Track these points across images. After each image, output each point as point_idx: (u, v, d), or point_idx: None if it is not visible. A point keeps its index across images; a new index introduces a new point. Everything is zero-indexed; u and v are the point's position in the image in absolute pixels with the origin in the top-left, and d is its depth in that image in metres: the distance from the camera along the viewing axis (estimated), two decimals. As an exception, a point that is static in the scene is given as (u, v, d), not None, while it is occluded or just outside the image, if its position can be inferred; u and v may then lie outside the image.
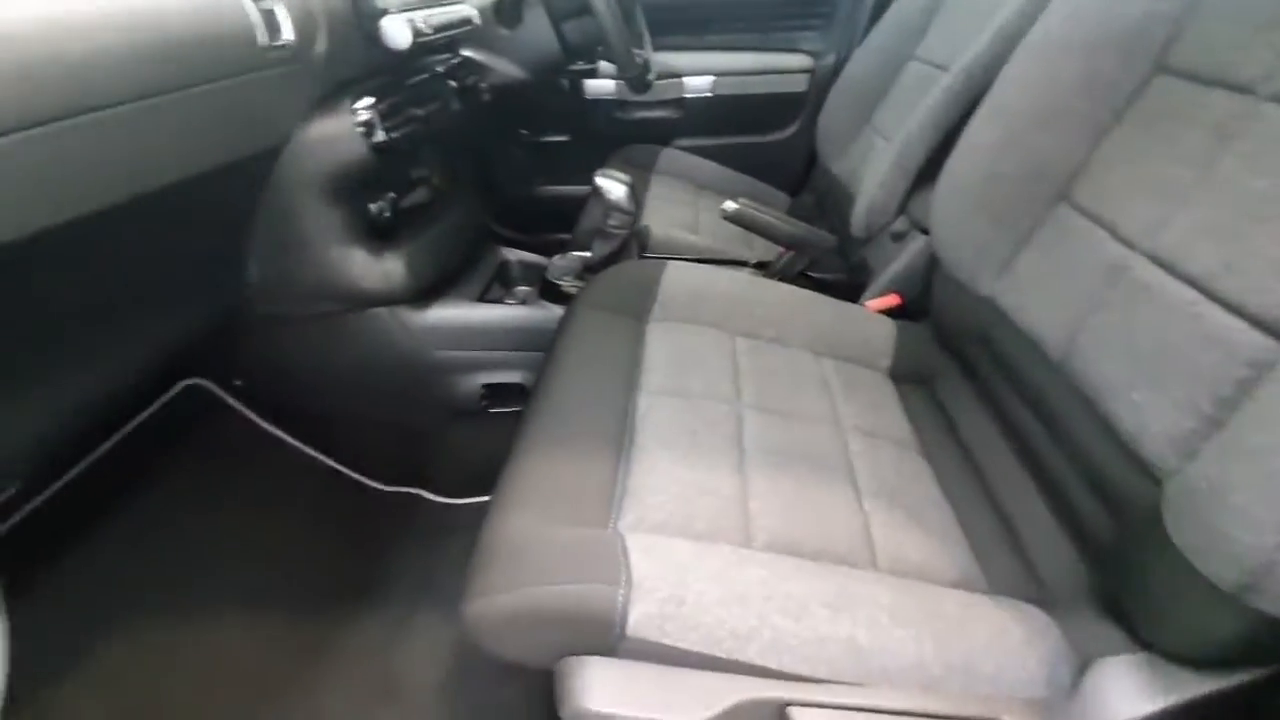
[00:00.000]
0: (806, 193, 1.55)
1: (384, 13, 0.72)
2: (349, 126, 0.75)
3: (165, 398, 0.96)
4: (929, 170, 0.94)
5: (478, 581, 0.47)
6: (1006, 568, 0.54)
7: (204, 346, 0.82)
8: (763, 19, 1.51)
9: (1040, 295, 0.63)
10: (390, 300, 0.87)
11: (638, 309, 0.80)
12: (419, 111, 0.82)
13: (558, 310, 0.96)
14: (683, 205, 1.28)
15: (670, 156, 1.46)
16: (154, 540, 0.84)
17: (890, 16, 1.28)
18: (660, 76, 1.44)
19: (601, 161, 1.45)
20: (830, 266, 1.06)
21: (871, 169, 1.08)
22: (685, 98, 1.52)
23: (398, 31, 0.73)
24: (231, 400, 1.00)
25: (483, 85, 1.02)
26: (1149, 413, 0.47)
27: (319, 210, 0.78)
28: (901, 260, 0.91)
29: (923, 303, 0.88)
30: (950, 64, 1.00)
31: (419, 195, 1.02)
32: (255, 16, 0.59)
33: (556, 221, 1.68)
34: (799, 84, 1.52)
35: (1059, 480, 0.58)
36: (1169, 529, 0.43)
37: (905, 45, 1.21)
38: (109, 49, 0.46)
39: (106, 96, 0.46)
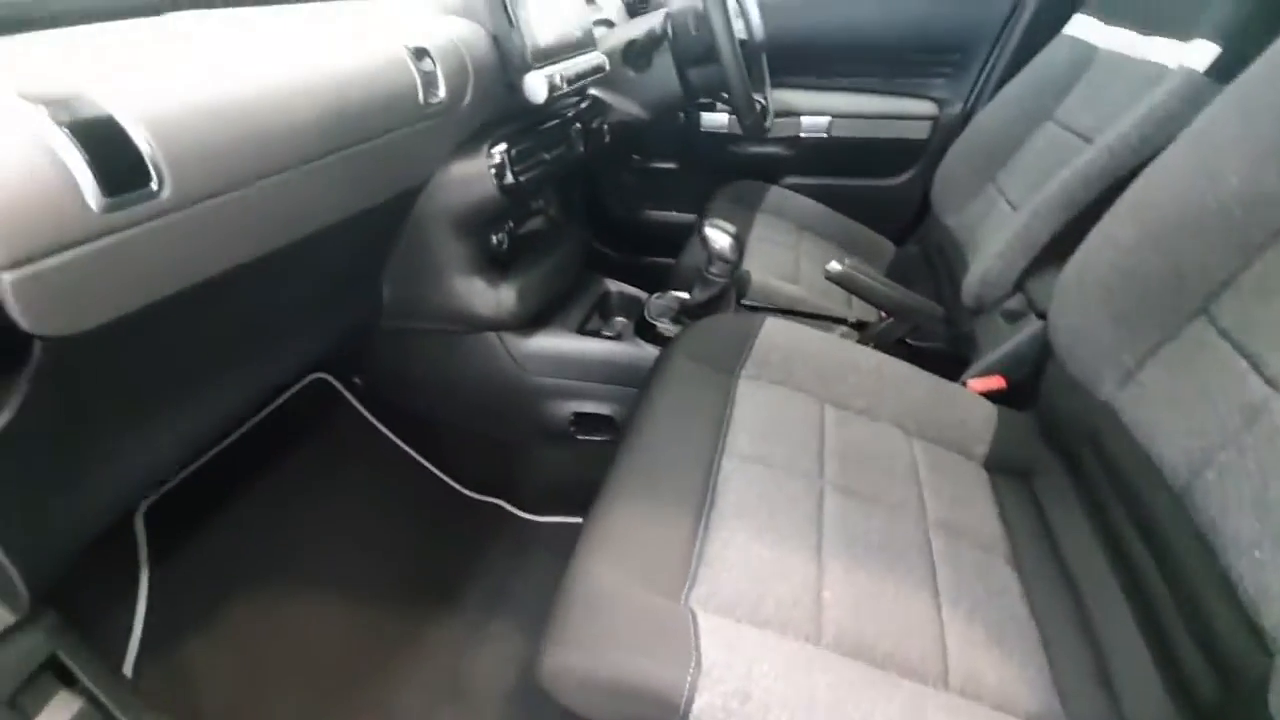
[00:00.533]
0: (914, 242, 1.50)
1: (528, 68, 0.78)
2: (483, 168, 0.81)
3: (295, 388, 1.07)
4: (1054, 249, 0.90)
5: (555, 628, 0.50)
6: (1090, 706, 0.52)
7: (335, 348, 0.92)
8: (889, 62, 1.47)
9: (1166, 416, 0.59)
10: (500, 326, 0.93)
11: (731, 362, 0.81)
12: (546, 155, 0.87)
13: (651, 350, 0.99)
14: (784, 249, 1.27)
15: (777, 195, 1.46)
16: (271, 520, 0.94)
17: (1030, 72, 1.22)
18: (777, 114, 1.45)
19: (709, 192, 1.47)
20: (932, 334, 1.03)
21: (990, 235, 1.04)
22: (800, 136, 1.51)
23: (537, 87, 0.78)
24: (349, 396, 1.10)
25: (605, 126, 1.06)
26: (1270, 574, 0.44)
27: (447, 242, 0.85)
28: (1012, 342, 0.87)
29: (1029, 390, 0.85)
30: (1093, 135, 0.95)
31: (534, 223, 1.08)
32: (417, 78, 0.65)
33: (659, 245, 1.72)
34: (920, 131, 1.48)
35: (1161, 618, 0.55)
36: (1271, 707, 0.40)
37: (1043, 104, 1.15)
38: (302, 118, 0.53)
39: (298, 157, 0.53)
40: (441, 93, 0.69)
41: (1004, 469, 0.78)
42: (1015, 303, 0.92)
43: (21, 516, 0.46)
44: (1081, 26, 1.15)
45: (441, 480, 1.09)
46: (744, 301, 1.05)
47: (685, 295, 1.05)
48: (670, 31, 1.10)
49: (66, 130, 0.36)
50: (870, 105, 1.49)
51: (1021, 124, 1.18)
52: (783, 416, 0.74)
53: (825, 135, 1.50)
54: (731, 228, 0.93)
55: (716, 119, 1.52)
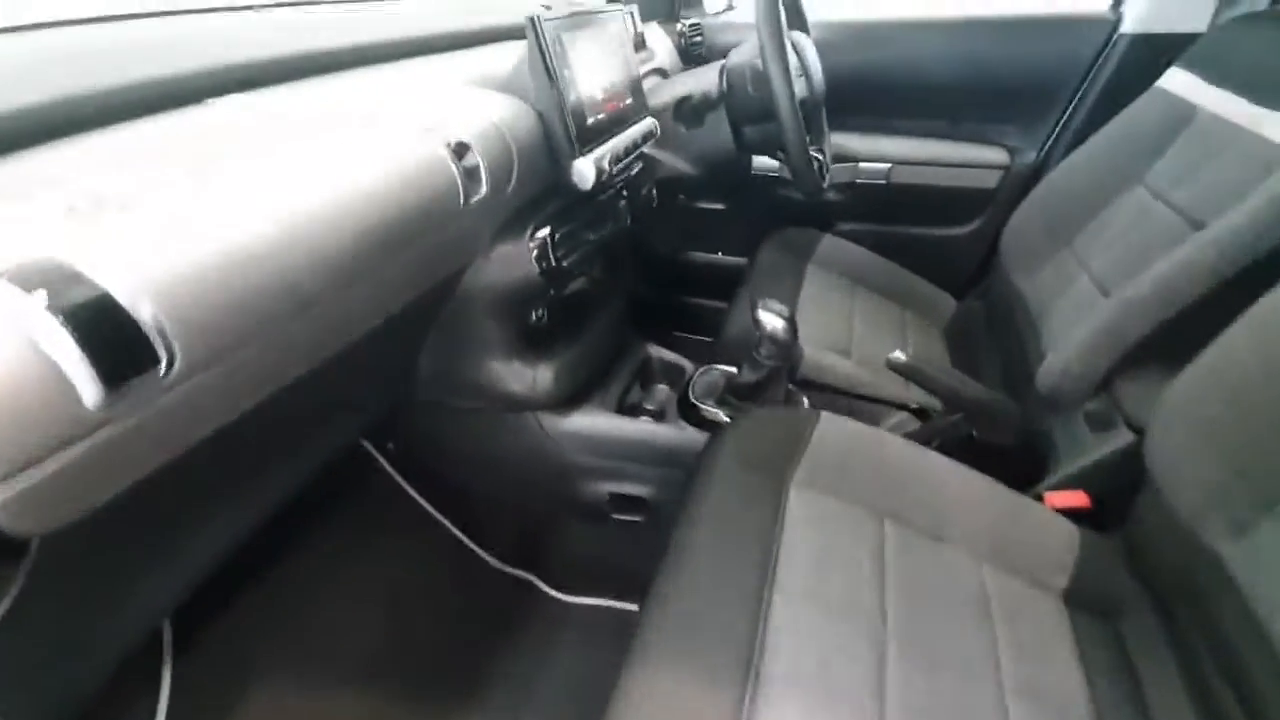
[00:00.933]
0: (975, 296, 1.40)
1: (576, 155, 0.73)
2: (524, 252, 0.77)
3: (326, 452, 1.05)
4: (1147, 347, 0.81)
5: None
6: None
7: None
8: (957, 105, 1.38)
9: (1291, 592, 0.51)
10: (536, 406, 0.89)
11: (781, 465, 0.75)
12: (591, 235, 0.82)
13: (692, 433, 0.93)
14: (837, 307, 1.20)
15: (830, 245, 1.37)
16: (299, 593, 0.92)
17: (1118, 127, 1.11)
18: (834, 160, 1.37)
19: (757, 235, 1.41)
20: (1003, 427, 0.94)
21: (1070, 314, 0.95)
22: (856, 183, 1.43)
23: (586, 174, 0.73)
24: (382, 461, 1.08)
25: (654, 191, 1.01)
26: None
27: (485, 322, 0.81)
28: (1097, 454, 0.79)
29: (1115, 508, 0.76)
30: (1191, 213, 0.86)
31: (577, 285, 1.04)
32: (459, 177, 0.61)
33: (704, 288, 1.66)
34: (988, 180, 1.38)
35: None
36: None
37: (1132, 165, 1.05)
38: (334, 247, 0.49)
39: (330, 286, 0.49)
40: (484, 188, 0.64)
41: (1085, 605, 0.70)
42: (1100, 404, 0.83)
43: (30, 686, 0.43)
44: (1178, 82, 1.05)
45: (472, 551, 1.06)
46: (795, 380, 0.98)
47: (731, 369, 0.99)
48: (726, 86, 1.04)
49: (60, 318, 0.32)
50: (934, 151, 1.40)
51: (1107, 184, 1.08)
52: (838, 541, 0.68)
53: (884, 182, 1.41)
54: (785, 310, 0.86)
55: (768, 161, 1.45)
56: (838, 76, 1.23)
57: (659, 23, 1.35)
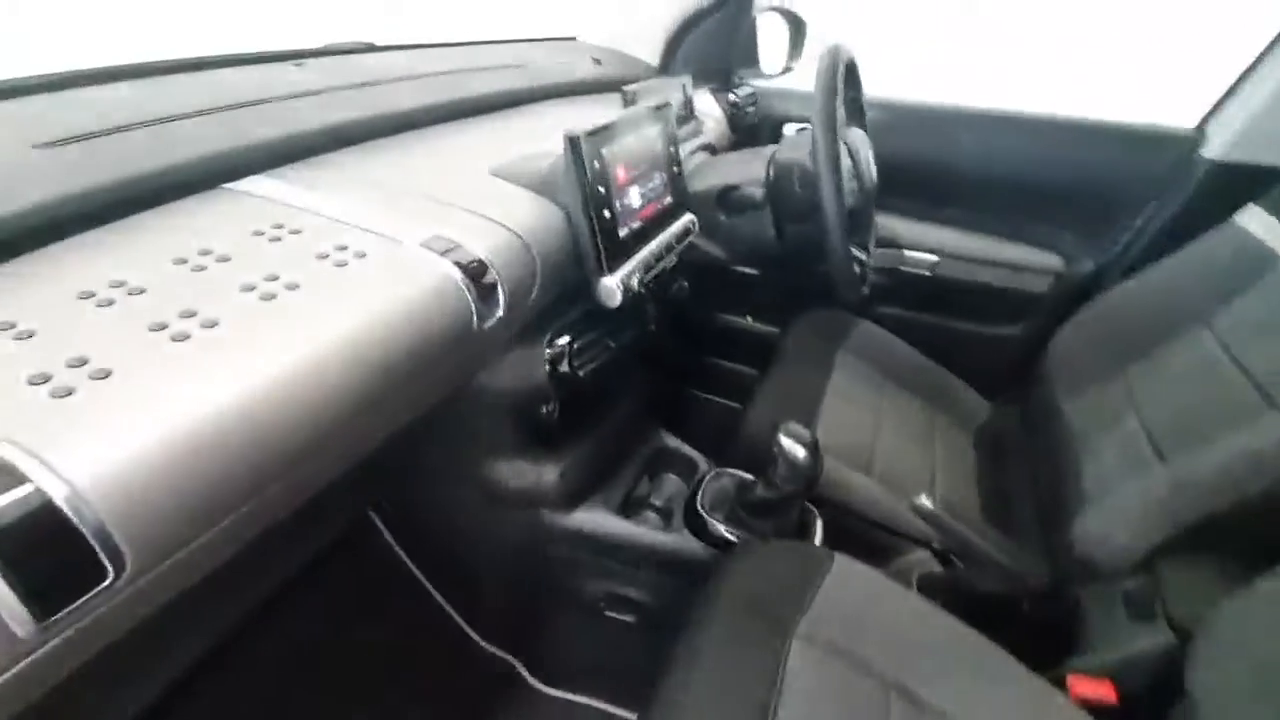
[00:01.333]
0: (1011, 401, 1.33)
1: (603, 274, 0.68)
2: (540, 357, 0.73)
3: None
4: (1203, 535, 0.74)
5: None
6: None
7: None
8: (1013, 205, 1.32)
9: None
10: (539, 504, 0.85)
11: (788, 612, 0.70)
12: (612, 343, 0.78)
13: (694, 545, 0.88)
14: (863, 414, 1.14)
15: (864, 333, 1.32)
16: (287, 661, 0.89)
17: (1186, 259, 1.04)
18: (878, 244, 1.31)
19: (790, 306, 1.36)
20: (1027, 592, 0.87)
21: (1117, 465, 0.88)
22: (900, 269, 1.37)
23: (612, 293, 0.69)
24: (378, 522, 1.05)
25: (685, 284, 0.96)
26: None
27: (491, 422, 0.78)
28: (1131, 646, 0.72)
29: (1146, 708, 0.70)
30: (1268, 383, 0.78)
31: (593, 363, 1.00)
32: (472, 302, 0.57)
33: (728, 351, 1.61)
34: (1038, 284, 1.31)
35: None
36: None
37: (1199, 304, 0.98)
38: (326, 397, 0.45)
39: (341, 429, 0.46)
40: (500, 309, 0.60)
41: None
42: (1140, 585, 0.76)
43: None
44: (1259, 222, 0.98)
45: (458, 625, 1.02)
46: (812, 497, 0.93)
47: (746, 476, 0.94)
48: (773, 178, 0.99)
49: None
50: (984, 248, 1.33)
51: (1170, 319, 1.00)
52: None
53: (928, 274, 1.35)
54: (808, 435, 0.81)
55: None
56: (892, 159, 1.17)
57: (711, 90, 1.31)
